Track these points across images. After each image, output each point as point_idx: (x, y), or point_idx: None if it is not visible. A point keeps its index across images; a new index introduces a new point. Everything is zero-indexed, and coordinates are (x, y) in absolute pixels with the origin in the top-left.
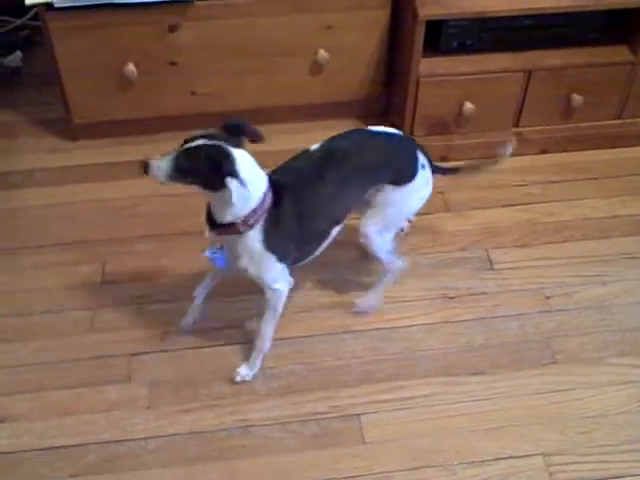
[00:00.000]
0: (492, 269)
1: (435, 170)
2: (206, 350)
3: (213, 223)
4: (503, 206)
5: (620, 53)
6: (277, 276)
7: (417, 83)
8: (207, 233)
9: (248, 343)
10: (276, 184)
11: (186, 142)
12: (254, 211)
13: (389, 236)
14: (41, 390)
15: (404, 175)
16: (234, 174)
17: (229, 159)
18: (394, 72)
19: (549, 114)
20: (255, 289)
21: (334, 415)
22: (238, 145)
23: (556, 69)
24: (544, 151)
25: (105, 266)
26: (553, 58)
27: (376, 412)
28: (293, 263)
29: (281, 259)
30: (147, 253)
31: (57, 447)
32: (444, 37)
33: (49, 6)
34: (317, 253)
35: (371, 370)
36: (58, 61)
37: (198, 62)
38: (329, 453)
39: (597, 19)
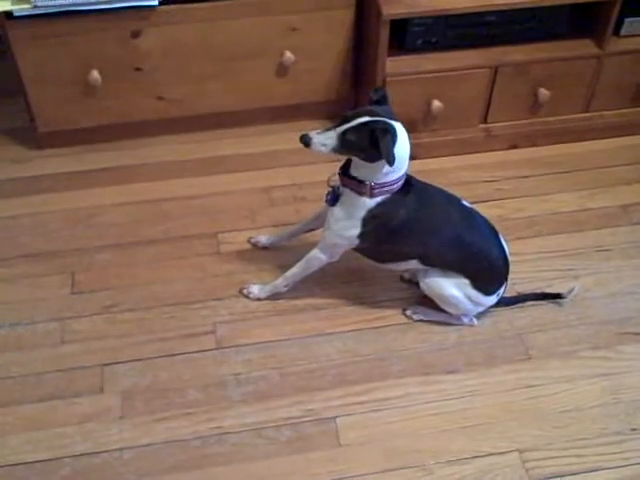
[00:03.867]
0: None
1: (500, 302)
2: (178, 357)
3: (346, 170)
4: (474, 203)
5: (585, 47)
6: (340, 246)
7: (384, 82)
8: (335, 175)
9: (219, 349)
10: (411, 181)
11: (346, 118)
12: (384, 185)
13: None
14: (12, 404)
15: (485, 286)
16: (392, 152)
17: (393, 137)
18: (361, 72)
19: (517, 109)
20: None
21: (309, 419)
22: (393, 115)
23: (522, 64)
24: (513, 146)
25: (74, 276)
26: (519, 53)
27: (351, 414)
28: (359, 249)
29: (361, 235)
30: (116, 262)
31: (30, 462)
32: (409, 36)
33: (9, 15)
34: (382, 265)
35: (345, 372)
36: (21, 70)
37: (163, 67)
38: (305, 457)
39: (561, 13)
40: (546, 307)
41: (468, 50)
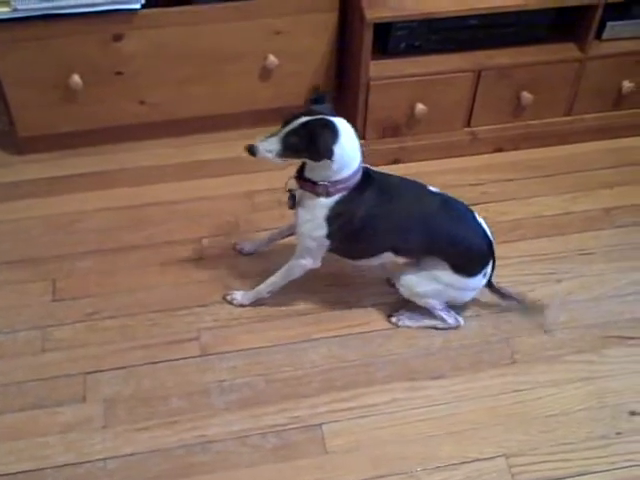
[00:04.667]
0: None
1: (490, 285)
2: (162, 365)
3: (301, 174)
4: None
5: (568, 50)
6: (314, 249)
7: (367, 86)
8: (292, 179)
9: (203, 356)
10: (370, 175)
11: (287, 122)
12: (337, 182)
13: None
14: None
15: (467, 268)
16: (337, 146)
17: (332, 132)
18: (344, 75)
19: (500, 113)
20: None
21: (295, 426)
22: (333, 113)
23: (505, 68)
24: (498, 150)
25: (55, 283)
26: (502, 57)
27: (338, 421)
28: (332, 249)
29: (330, 236)
30: (97, 268)
31: (13, 473)
32: (392, 39)
33: None
34: (357, 262)
35: (331, 378)
36: (1, 73)
37: (145, 71)
38: (291, 465)
39: (544, 17)
40: (530, 310)
41: (451, 54)
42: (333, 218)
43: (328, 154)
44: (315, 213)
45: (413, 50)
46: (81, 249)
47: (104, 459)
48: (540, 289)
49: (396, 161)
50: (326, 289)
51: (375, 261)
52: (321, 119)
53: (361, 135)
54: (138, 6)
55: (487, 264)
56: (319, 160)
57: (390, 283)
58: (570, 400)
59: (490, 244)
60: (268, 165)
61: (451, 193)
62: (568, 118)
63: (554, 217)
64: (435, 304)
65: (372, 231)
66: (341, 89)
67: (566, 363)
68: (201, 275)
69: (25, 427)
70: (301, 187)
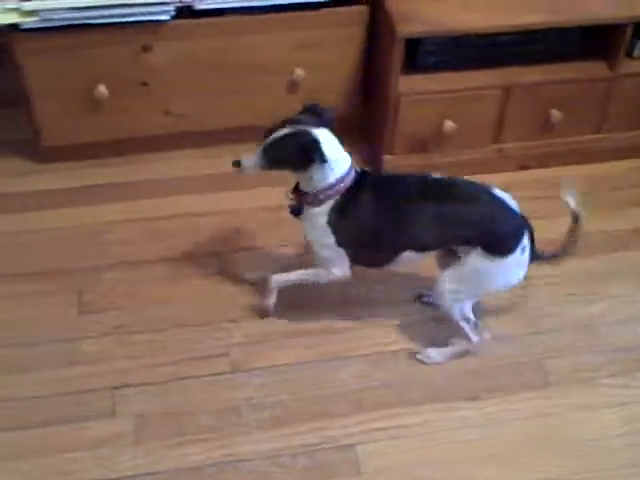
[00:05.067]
0: None
1: (536, 257)
2: (190, 381)
3: (297, 185)
4: None
5: (597, 69)
6: (334, 258)
7: (397, 101)
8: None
9: (233, 372)
10: (364, 177)
11: (270, 131)
12: (327, 188)
13: (464, 300)
14: (18, 429)
15: (499, 246)
16: (318, 157)
17: (314, 143)
18: (371, 89)
19: (528, 130)
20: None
21: (327, 446)
22: (321, 123)
23: (534, 85)
24: (524, 167)
25: (82, 295)
26: (531, 74)
27: (371, 442)
28: (352, 260)
29: (340, 244)
30: (124, 280)
31: None
32: (421, 54)
33: (15, 27)
34: (380, 268)
35: (362, 398)
36: (27, 82)
37: (172, 82)
38: None
39: (574, 35)
40: (563, 332)
41: (481, 70)
42: (335, 224)
43: (306, 164)
44: (314, 222)
45: (442, 65)
46: (107, 261)
47: (134, 476)
48: (573, 311)
49: None
50: (356, 307)
51: (399, 263)
52: (299, 130)
53: (389, 150)
54: (168, 17)
55: (521, 237)
56: (300, 171)
57: (421, 301)
58: (606, 425)
59: (516, 215)
60: (294, 177)
61: None
62: (597, 136)
63: (583, 237)
64: (466, 313)
65: (380, 232)
66: (367, 103)
67: (601, 387)
68: (229, 289)
69: (53, 442)
70: (297, 198)
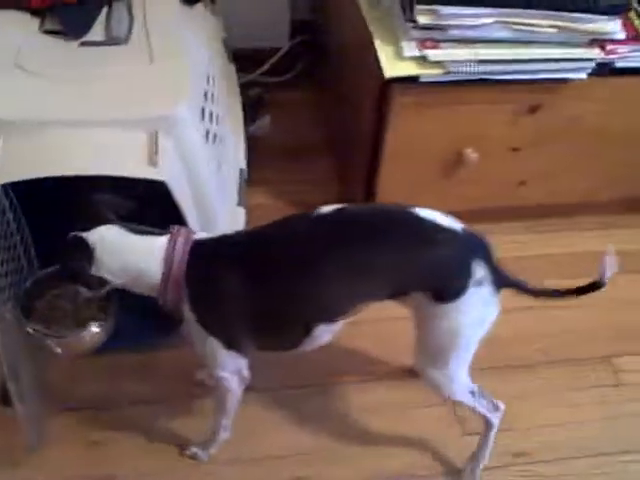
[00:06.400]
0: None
1: (507, 283)
2: None
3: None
4: None
5: None
6: (224, 362)
7: None
8: None
9: None
10: (200, 246)
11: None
12: (162, 282)
13: (456, 372)
14: None
15: (446, 287)
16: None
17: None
18: None
19: None
20: None
21: None
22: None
23: None
24: None
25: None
26: None
27: None
28: (258, 349)
29: (229, 344)
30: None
31: None
32: None
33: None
34: (296, 349)
35: None
36: (386, 140)
37: (547, 148)
38: None
39: None
40: None
41: None
42: (204, 316)
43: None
44: (189, 323)
45: None
46: None
47: None
48: None
49: None
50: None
51: (311, 343)
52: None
53: None
54: (583, 76)
55: (467, 266)
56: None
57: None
58: None
59: (455, 235)
60: None
61: None
62: None
63: None
64: (468, 384)
65: (267, 306)
66: None
67: None
68: None
69: None
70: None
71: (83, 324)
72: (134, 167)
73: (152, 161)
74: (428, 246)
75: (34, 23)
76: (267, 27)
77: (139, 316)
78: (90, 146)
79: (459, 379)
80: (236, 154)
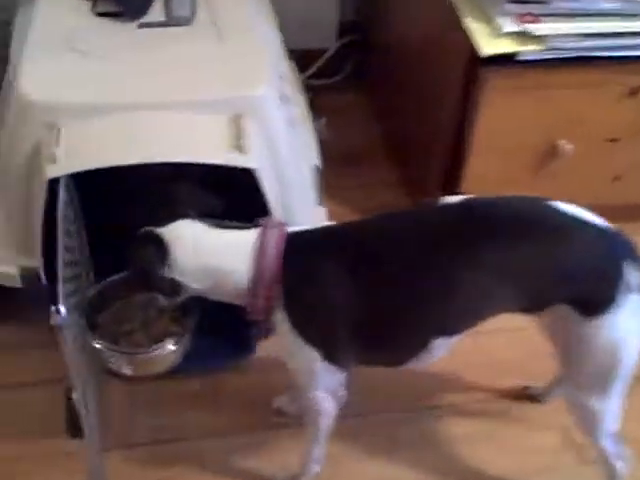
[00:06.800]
0: None
1: None
2: None
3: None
4: None
5: None
6: (320, 378)
7: None
8: None
9: None
10: (298, 237)
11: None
12: (253, 283)
13: (615, 403)
14: None
15: (592, 296)
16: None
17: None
18: None
19: None
20: None
21: None
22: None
23: None
24: None
25: None
26: None
27: None
28: (359, 362)
29: (329, 356)
30: None
31: None
32: None
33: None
34: (405, 365)
35: None
36: (474, 131)
37: None
38: None
39: None
40: None
41: None
42: (301, 323)
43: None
44: (281, 333)
45: None
46: None
47: None
48: None
49: None
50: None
51: (425, 358)
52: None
53: None
54: None
55: (618, 270)
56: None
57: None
58: None
59: (604, 235)
60: None
61: None
62: None
63: None
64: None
65: (376, 314)
66: None
67: None
68: None
69: None
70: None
71: (156, 340)
72: (220, 153)
73: (238, 146)
74: (574, 246)
75: (85, 5)
76: (314, 28)
77: (210, 334)
78: (167, 131)
79: (614, 412)
80: (309, 149)
